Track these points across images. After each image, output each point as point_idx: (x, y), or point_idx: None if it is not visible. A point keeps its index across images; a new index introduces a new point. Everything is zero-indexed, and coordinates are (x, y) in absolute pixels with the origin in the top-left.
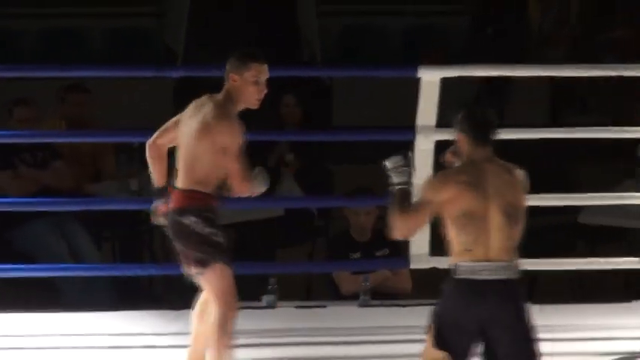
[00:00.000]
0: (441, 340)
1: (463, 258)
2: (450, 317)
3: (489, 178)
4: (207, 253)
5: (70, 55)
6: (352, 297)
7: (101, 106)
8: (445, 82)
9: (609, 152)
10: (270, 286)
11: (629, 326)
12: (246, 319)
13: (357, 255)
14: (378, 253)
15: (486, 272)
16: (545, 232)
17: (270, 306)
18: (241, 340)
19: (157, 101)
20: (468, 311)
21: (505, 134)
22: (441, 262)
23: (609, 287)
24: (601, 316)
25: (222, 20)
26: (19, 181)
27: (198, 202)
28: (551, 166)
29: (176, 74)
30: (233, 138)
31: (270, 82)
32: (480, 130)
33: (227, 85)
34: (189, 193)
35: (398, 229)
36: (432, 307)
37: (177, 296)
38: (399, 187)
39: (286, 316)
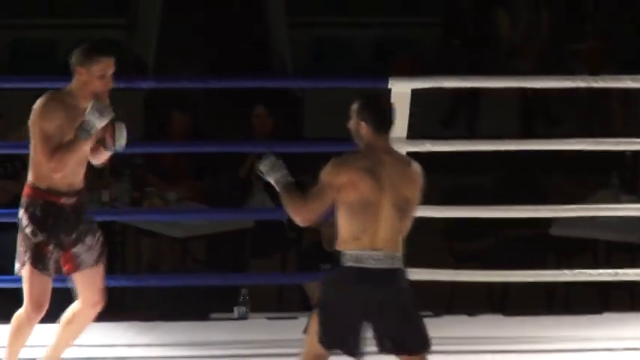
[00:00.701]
0: (328, 334)
1: (350, 246)
2: (335, 306)
3: (387, 168)
4: (19, 252)
5: (40, 66)
6: None
7: None
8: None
9: (580, 163)
10: (241, 298)
11: (600, 338)
12: (218, 331)
13: (327, 266)
14: None
15: (372, 261)
16: (517, 244)
17: (242, 317)
18: (214, 352)
19: (128, 111)
20: (353, 299)
21: (476, 145)
22: (414, 274)
23: (581, 299)
24: (572, 327)
25: (192, 30)
26: None
27: (26, 196)
28: (522, 178)
29: (146, 85)
30: (35, 120)
31: (241, 92)
32: (381, 120)
33: (73, 78)
34: (26, 186)
35: (301, 217)
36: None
37: (148, 307)
38: (282, 181)
39: (258, 327)
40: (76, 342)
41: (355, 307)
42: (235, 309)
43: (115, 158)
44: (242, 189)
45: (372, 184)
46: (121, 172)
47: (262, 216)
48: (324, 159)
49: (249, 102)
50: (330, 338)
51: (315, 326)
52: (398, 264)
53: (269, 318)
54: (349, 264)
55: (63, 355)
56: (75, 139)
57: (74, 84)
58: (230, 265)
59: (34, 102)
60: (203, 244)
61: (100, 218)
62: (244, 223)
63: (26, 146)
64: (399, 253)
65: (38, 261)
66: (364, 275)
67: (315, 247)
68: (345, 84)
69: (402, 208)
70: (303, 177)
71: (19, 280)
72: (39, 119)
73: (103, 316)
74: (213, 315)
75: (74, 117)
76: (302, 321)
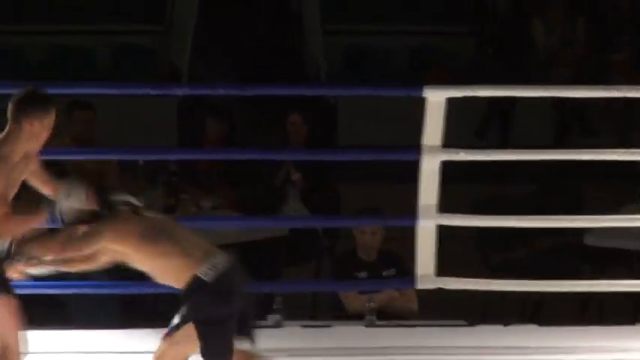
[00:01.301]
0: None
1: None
2: (213, 318)
3: None
4: None
5: (75, 72)
6: (358, 317)
7: (106, 123)
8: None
9: (615, 174)
10: (275, 306)
11: (634, 349)
12: None
13: (363, 274)
14: (384, 273)
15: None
16: (552, 254)
17: (276, 325)
18: None
19: (161, 118)
20: (226, 304)
21: (511, 155)
22: (448, 283)
23: (615, 309)
24: (606, 338)
25: (227, 38)
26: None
27: None
28: (557, 188)
29: (180, 92)
30: None
31: (276, 100)
32: None
33: (14, 127)
34: None
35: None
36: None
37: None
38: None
39: (292, 335)
40: (110, 348)
41: (228, 312)
42: (269, 317)
43: (149, 165)
44: (277, 197)
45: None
46: (154, 179)
47: (297, 224)
48: (356, 167)
49: (283, 110)
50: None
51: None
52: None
53: (303, 326)
54: (210, 278)
55: None
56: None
57: (15, 134)
58: (264, 273)
59: None
60: (237, 252)
61: None
62: (279, 230)
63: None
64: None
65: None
66: (226, 281)
67: (350, 255)
68: (379, 92)
69: None
70: (337, 184)
71: (54, 286)
72: None
73: (137, 323)
74: None
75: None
76: (336, 329)
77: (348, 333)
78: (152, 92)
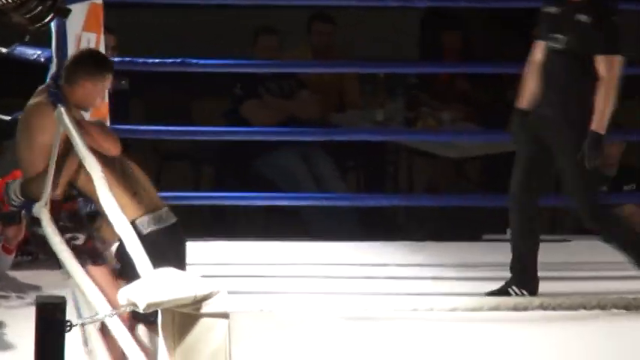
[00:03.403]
0: None
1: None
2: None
3: None
4: None
5: None
6: (597, 232)
7: (346, 36)
8: None
9: None
10: None
11: None
12: (491, 252)
13: (603, 188)
14: (625, 187)
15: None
16: None
17: None
18: (485, 273)
19: (403, 32)
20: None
21: None
22: None
23: None
24: None
25: None
26: (265, 111)
27: None
28: None
29: (422, 4)
30: None
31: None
32: None
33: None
34: None
35: None
36: None
37: (420, 227)
38: None
39: None
40: (348, 260)
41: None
42: (508, 230)
43: (391, 78)
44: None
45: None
46: (395, 92)
47: None
48: None
49: (525, 25)
50: None
51: None
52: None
53: (542, 240)
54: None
55: (334, 273)
56: None
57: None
58: (504, 186)
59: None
60: (478, 165)
61: (373, 138)
62: None
63: (303, 65)
64: None
65: None
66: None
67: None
68: None
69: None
70: None
71: (294, 198)
72: None
73: (376, 236)
74: (486, 236)
75: None
76: (576, 244)
77: (587, 247)
78: (392, 4)
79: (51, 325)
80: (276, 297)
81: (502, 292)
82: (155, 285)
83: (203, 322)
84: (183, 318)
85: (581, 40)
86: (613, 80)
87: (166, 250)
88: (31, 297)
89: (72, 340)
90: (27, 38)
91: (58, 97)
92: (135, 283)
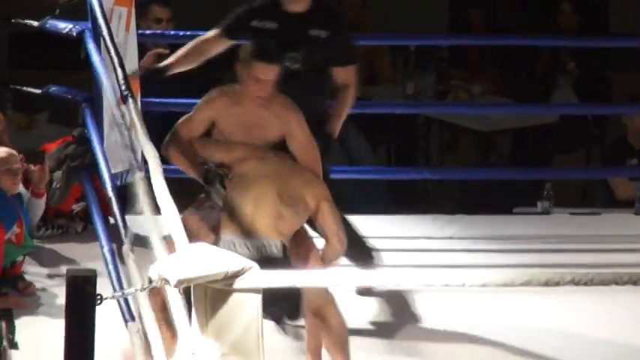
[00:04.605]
0: None
1: None
2: None
3: None
4: None
5: None
6: (627, 204)
7: (376, 11)
8: None
9: None
10: (545, 192)
11: None
12: (521, 225)
13: (634, 161)
14: None
15: None
16: None
17: (545, 212)
18: (516, 245)
19: (433, 7)
20: None
21: None
22: None
23: None
24: None
25: None
26: None
27: None
28: None
29: None
30: None
31: None
32: None
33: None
34: None
35: None
36: None
37: (451, 200)
38: None
39: (561, 222)
40: (379, 233)
41: None
42: (539, 203)
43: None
44: (547, 83)
45: None
46: (426, 66)
47: (567, 111)
48: (628, 54)
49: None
50: None
51: None
52: None
53: (572, 213)
54: None
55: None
56: None
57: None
58: (535, 159)
59: None
60: (508, 138)
61: (404, 111)
62: (549, 117)
63: None
64: None
65: None
66: None
67: (621, 142)
68: None
69: None
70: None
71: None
72: None
73: (407, 209)
74: (516, 209)
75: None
76: (605, 217)
77: (616, 220)
78: None
79: (81, 298)
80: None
81: None
82: (187, 261)
83: (235, 298)
84: (216, 293)
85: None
86: (354, 87)
87: None
88: (63, 270)
89: (105, 314)
90: (57, 12)
91: None
92: (167, 259)
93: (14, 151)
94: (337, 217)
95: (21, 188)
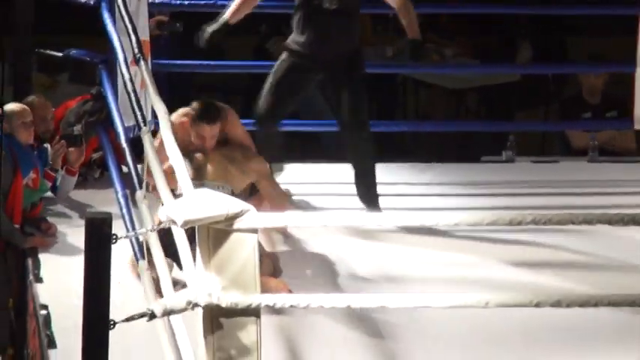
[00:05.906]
0: None
1: None
2: None
3: None
4: None
5: None
6: (582, 153)
7: None
8: None
9: None
10: (509, 143)
11: None
12: (488, 172)
13: (588, 115)
14: (607, 115)
15: None
16: None
17: (509, 160)
18: (484, 190)
19: None
20: None
21: None
22: None
23: None
24: None
25: None
26: None
27: None
28: None
29: None
30: None
31: None
32: None
33: None
34: None
35: None
36: None
37: (426, 151)
38: None
39: (523, 169)
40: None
41: None
42: (503, 153)
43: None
44: (511, 46)
45: None
46: (403, 31)
47: (528, 71)
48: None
49: None
50: None
51: None
52: None
53: (533, 161)
54: None
55: (350, 191)
56: None
57: None
58: (500, 114)
59: None
60: (476, 95)
61: (384, 71)
62: (512, 77)
63: None
64: None
65: None
66: None
67: (576, 98)
68: None
69: None
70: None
71: (314, 124)
72: None
73: (387, 158)
74: (484, 158)
75: None
76: (562, 164)
77: (573, 167)
78: None
79: (99, 238)
80: (298, 214)
81: None
82: (192, 204)
83: (234, 237)
84: (217, 233)
85: None
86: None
87: None
88: (82, 213)
89: (120, 253)
90: None
91: None
92: (174, 202)
93: (26, 107)
94: (274, 185)
95: (46, 145)
